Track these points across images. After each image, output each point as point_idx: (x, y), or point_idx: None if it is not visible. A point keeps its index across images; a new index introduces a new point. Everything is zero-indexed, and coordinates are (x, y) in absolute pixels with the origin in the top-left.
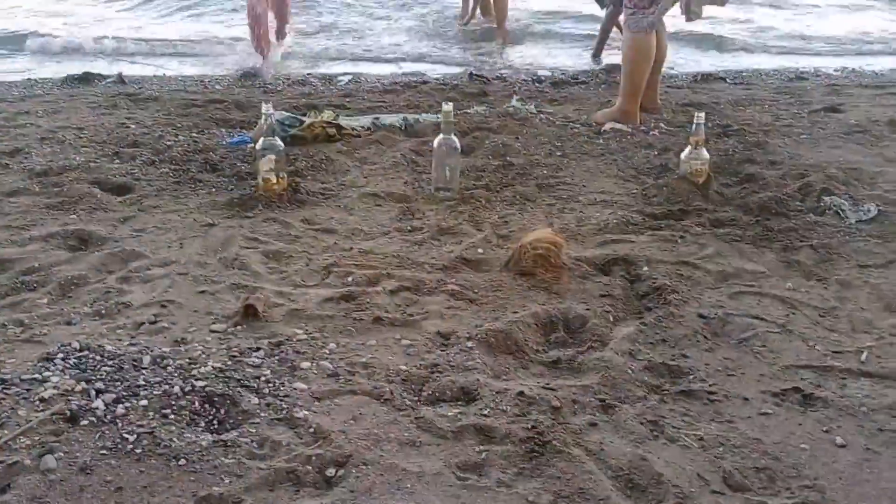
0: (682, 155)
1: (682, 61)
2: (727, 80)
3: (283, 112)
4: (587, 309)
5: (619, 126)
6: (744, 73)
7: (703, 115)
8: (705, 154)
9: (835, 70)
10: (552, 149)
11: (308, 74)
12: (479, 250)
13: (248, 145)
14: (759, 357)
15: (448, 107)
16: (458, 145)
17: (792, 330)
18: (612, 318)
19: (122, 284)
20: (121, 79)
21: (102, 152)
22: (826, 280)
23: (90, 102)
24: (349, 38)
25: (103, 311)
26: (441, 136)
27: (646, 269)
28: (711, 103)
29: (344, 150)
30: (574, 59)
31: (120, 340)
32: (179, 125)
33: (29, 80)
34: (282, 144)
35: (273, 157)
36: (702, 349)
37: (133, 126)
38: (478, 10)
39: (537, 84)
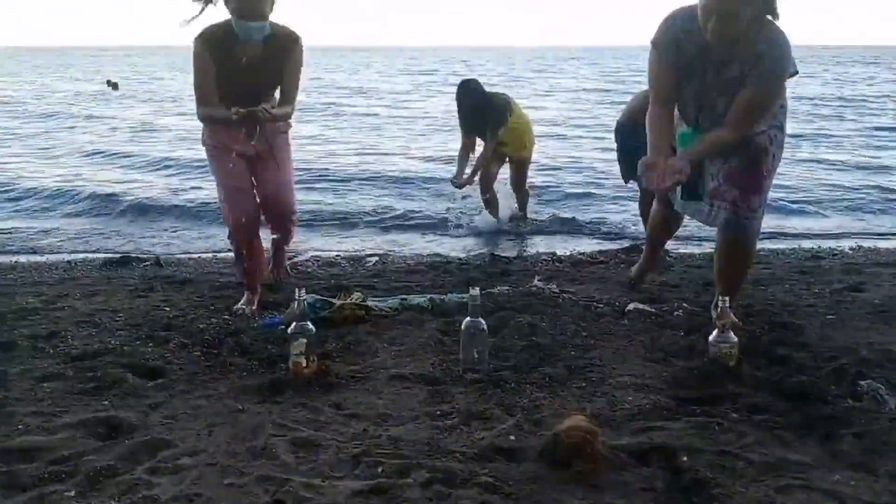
0: (710, 338)
1: (702, 236)
2: None
3: (314, 295)
4: None
5: (642, 307)
6: (761, 253)
7: (727, 298)
8: (733, 337)
9: (850, 248)
10: (578, 329)
11: (336, 255)
12: (512, 437)
13: (279, 328)
14: None
15: (475, 291)
16: (485, 327)
17: None
18: None
19: (151, 476)
20: (158, 262)
21: (137, 335)
22: (876, 472)
23: (127, 285)
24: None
25: None
26: (468, 318)
27: (686, 459)
28: None
29: (373, 331)
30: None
31: None
32: (212, 307)
33: (69, 262)
34: (312, 328)
35: (304, 340)
36: None
37: (167, 309)
38: (475, 179)
39: (557, 263)
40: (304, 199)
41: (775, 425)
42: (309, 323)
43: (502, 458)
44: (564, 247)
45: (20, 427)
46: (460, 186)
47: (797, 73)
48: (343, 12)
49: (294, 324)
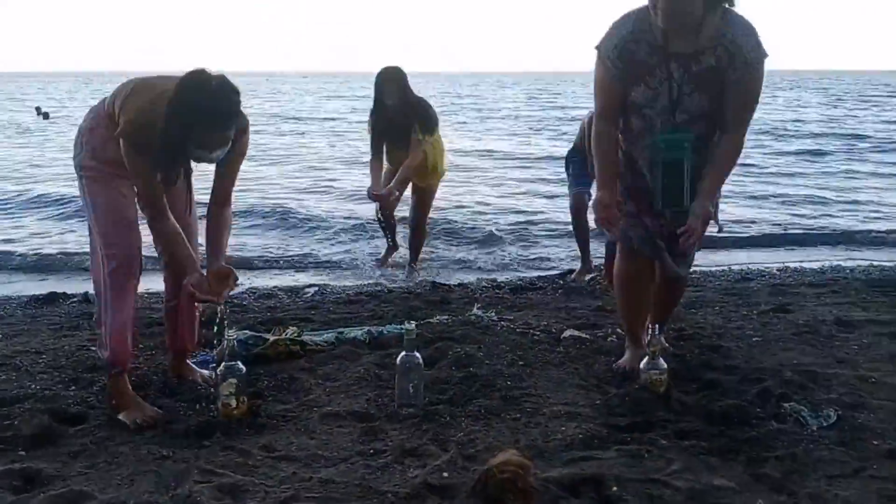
0: (641, 365)
1: None
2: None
3: (247, 331)
4: None
5: (577, 333)
6: (693, 276)
7: (657, 328)
8: (663, 364)
9: (777, 269)
10: (514, 358)
11: (274, 287)
12: (445, 474)
13: (210, 366)
14: None
15: (410, 325)
16: (421, 361)
17: None
18: None
19: None
20: (87, 298)
21: (59, 379)
22: (796, 494)
23: (52, 324)
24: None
25: None
26: (403, 353)
27: (615, 489)
28: None
29: (307, 367)
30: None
31: None
32: (142, 345)
33: None
34: (242, 368)
35: (234, 381)
36: None
37: (94, 348)
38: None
39: (497, 290)
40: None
41: (702, 450)
42: (239, 363)
43: (435, 497)
44: (504, 276)
45: None
46: (378, 199)
47: (767, 55)
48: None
49: (223, 365)
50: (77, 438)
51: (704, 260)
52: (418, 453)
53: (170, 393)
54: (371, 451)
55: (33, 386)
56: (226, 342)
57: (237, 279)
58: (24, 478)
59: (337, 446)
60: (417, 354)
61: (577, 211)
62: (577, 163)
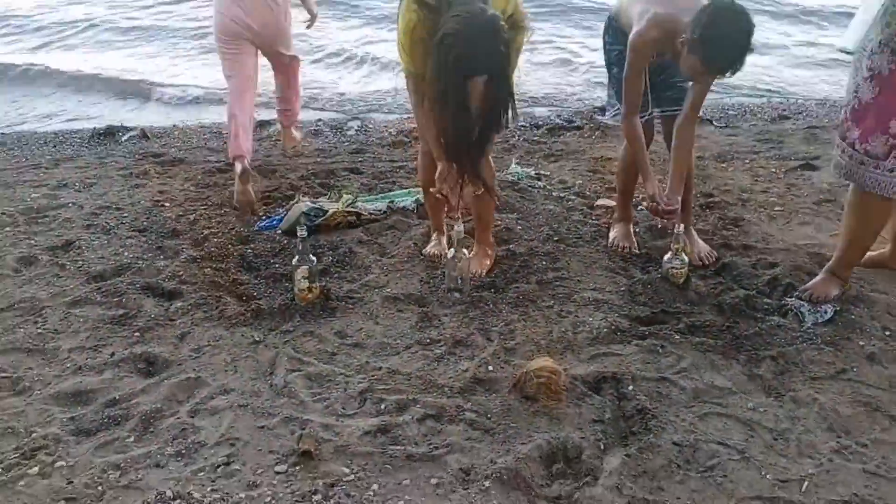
0: (665, 258)
1: None
2: (713, 122)
3: (308, 203)
4: (582, 437)
5: (609, 203)
6: (730, 113)
7: (681, 227)
8: (684, 257)
9: (815, 103)
10: (550, 232)
11: (318, 121)
12: (490, 367)
13: (276, 230)
14: (720, 489)
15: (459, 227)
16: (468, 256)
17: (749, 457)
18: (602, 447)
19: (193, 419)
20: (144, 134)
21: (147, 246)
22: (782, 397)
23: (120, 168)
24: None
25: (183, 451)
26: (451, 250)
27: (631, 387)
28: (696, 158)
29: (364, 239)
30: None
31: (203, 486)
32: (209, 201)
33: (56, 135)
34: (314, 259)
35: (306, 268)
36: (674, 481)
37: (167, 205)
38: None
39: (535, 130)
40: None
41: (709, 348)
42: (310, 255)
43: (482, 391)
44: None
45: (69, 366)
46: None
47: None
48: None
49: (297, 256)
50: (179, 317)
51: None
52: (467, 343)
53: (247, 268)
54: (428, 339)
55: (126, 254)
56: (294, 210)
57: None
58: (146, 361)
59: (399, 333)
60: (465, 251)
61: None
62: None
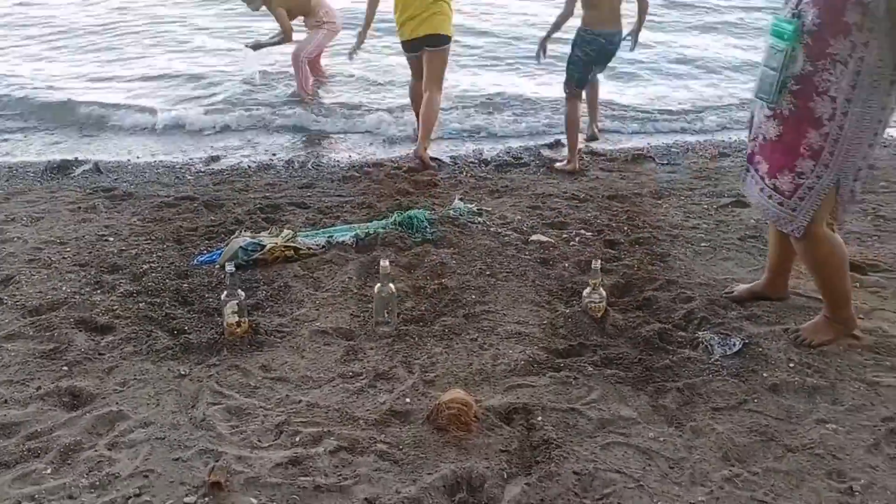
0: (584, 293)
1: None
2: (656, 159)
3: (246, 237)
4: (487, 467)
5: (543, 239)
6: (673, 150)
7: (598, 263)
8: (602, 293)
9: None
10: (482, 267)
11: (273, 157)
12: (407, 399)
13: (215, 264)
14: None
15: (385, 263)
16: (394, 291)
17: (643, 485)
18: (505, 476)
19: (111, 451)
20: (97, 168)
21: (86, 280)
22: (683, 426)
23: (70, 202)
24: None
25: (97, 483)
26: (379, 284)
27: (540, 418)
28: (633, 196)
29: (300, 273)
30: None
31: None
32: (153, 236)
33: (10, 168)
34: (242, 294)
35: (235, 303)
36: None
37: (111, 239)
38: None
39: (483, 166)
40: None
41: (619, 379)
42: (239, 290)
43: (397, 423)
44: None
45: None
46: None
47: None
48: None
49: (225, 292)
50: (108, 351)
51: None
52: (388, 376)
53: (182, 302)
54: (350, 373)
55: (64, 289)
56: (229, 247)
57: None
58: (71, 395)
59: (323, 367)
60: (391, 286)
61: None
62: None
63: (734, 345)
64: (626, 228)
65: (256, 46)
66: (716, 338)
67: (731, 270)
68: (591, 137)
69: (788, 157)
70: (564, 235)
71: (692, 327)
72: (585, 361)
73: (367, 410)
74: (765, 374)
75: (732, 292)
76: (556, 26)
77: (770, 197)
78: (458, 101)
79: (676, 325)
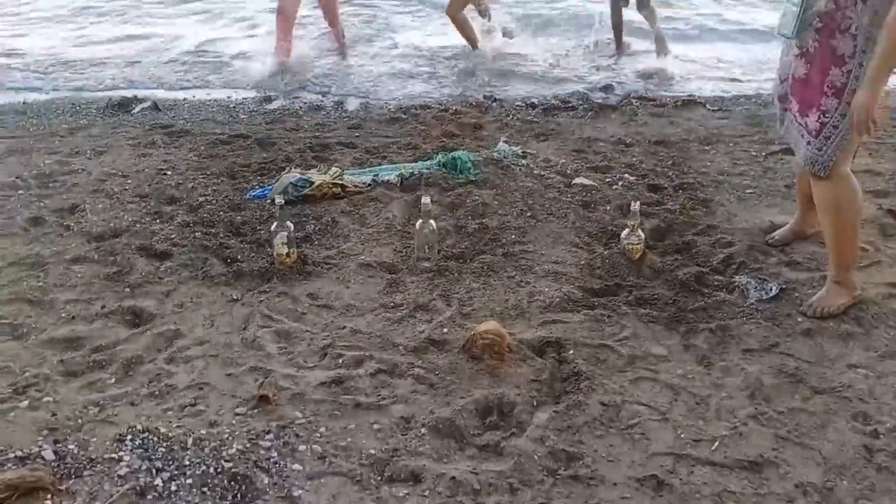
0: (622, 234)
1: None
2: (707, 105)
3: (296, 174)
4: (518, 394)
5: (587, 182)
6: (725, 97)
7: (637, 205)
8: (640, 234)
9: None
10: (524, 208)
11: (322, 98)
12: (445, 330)
13: (266, 199)
14: (637, 445)
15: (426, 199)
16: (434, 227)
17: (669, 418)
18: (535, 403)
19: (169, 365)
20: (155, 106)
21: (146, 210)
22: (712, 366)
23: (130, 138)
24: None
25: (156, 393)
26: (420, 220)
27: (571, 352)
28: (681, 141)
29: (347, 209)
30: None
31: (170, 423)
32: (209, 171)
33: (73, 104)
34: (291, 226)
35: (284, 234)
36: (595, 436)
37: (169, 173)
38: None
39: (530, 109)
40: None
41: (652, 319)
42: (288, 221)
43: (434, 350)
44: (542, 91)
45: (63, 315)
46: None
47: None
48: None
49: (275, 223)
50: (167, 276)
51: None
52: (428, 308)
53: (235, 233)
54: (392, 303)
55: (126, 217)
56: (280, 182)
57: None
58: (133, 314)
59: (366, 297)
60: (432, 222)
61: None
62: None
63: (771, 289)
64: (670, 174)
65: None
66: (753, 282)
67: (775, 219)
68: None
69: (814, 95)
70: (608, 179)
71: (730, 271)
72: (620, 301)
73: (407, 338)
74: (799, 319)
75: (774, 237)
76: None
77: (801, 136)
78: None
79: (714, 269)
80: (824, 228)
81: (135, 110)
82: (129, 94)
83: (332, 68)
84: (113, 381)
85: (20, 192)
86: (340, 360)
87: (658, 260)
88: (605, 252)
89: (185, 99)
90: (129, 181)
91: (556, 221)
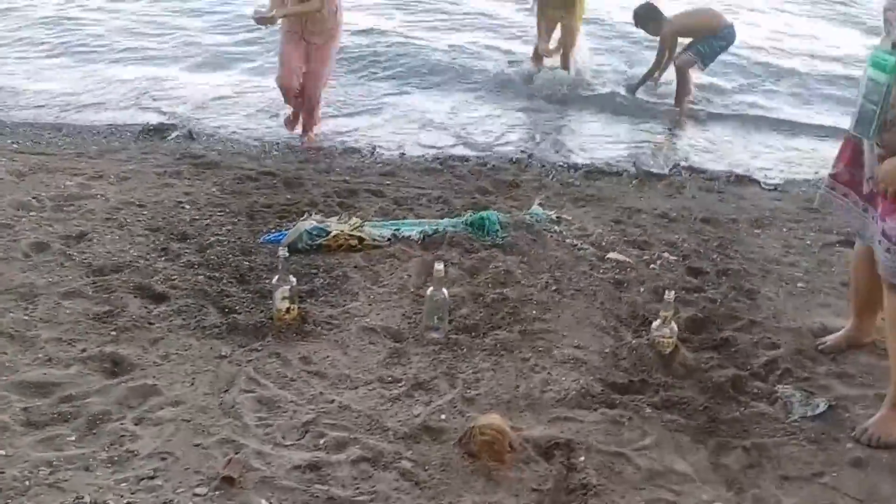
0: (653, 324)
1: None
2: (761, 183)
3: (313, 221)
4: None
5: (621, 258)
6: (782, 173)
7: (672, 295)
8: (674, 327)
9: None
10: (550, 280)
11: (356, 141)
12: (443, 416)
13: (279, 245)
14: None
15: (440, 267)
16: (446, 296)
17: None
18: None
19: (137, 426)
20: (190, 134)
21: (153, 245)
22: (743, 493)
23: (158, 165)
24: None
25: (115, 458)
26: (432, 289)
27: (582, 458)
28: (729, 221)
29: (361, 264)
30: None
31: (121, 497)
32: (228, 208)
33: (110, 125)
34: (293, 280)
35: (287, 288)
36: None
37: (187, 207)
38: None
39: (572, 172)
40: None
41: (679, 427)
42: (291, 276)
43: (427, 439)
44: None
45: (41, 356)
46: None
47: None
48: None
49: (277, 276)
50: (158, 321)
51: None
52: (428, 387)
53: (239, 280)
54: (389, 377)
55: (131, 251)
56: (295, 229)
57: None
58: (112, 361)
59: (363, 367)
60: (444, 291)
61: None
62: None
63: (818, 406)
64: (714, 256)
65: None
66: (797, 394)
67: (829, 322)
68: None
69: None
70: (645, 257)
71: (772, 378)
72: (644, 401)
73: (399, 421)
74: (848, 445)
75: (826, 342)
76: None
77: (880, 242)
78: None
79: (754, 374)
80: (889, 343)
81: (169, 137)
82: (168, 120)
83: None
84: (74, 438)
85: (32, 213)
86: (321, 441)
87: (691, 357)
88: (634, 341)
89: (220, 127)
90: (145, 212)
91: (583, 299)
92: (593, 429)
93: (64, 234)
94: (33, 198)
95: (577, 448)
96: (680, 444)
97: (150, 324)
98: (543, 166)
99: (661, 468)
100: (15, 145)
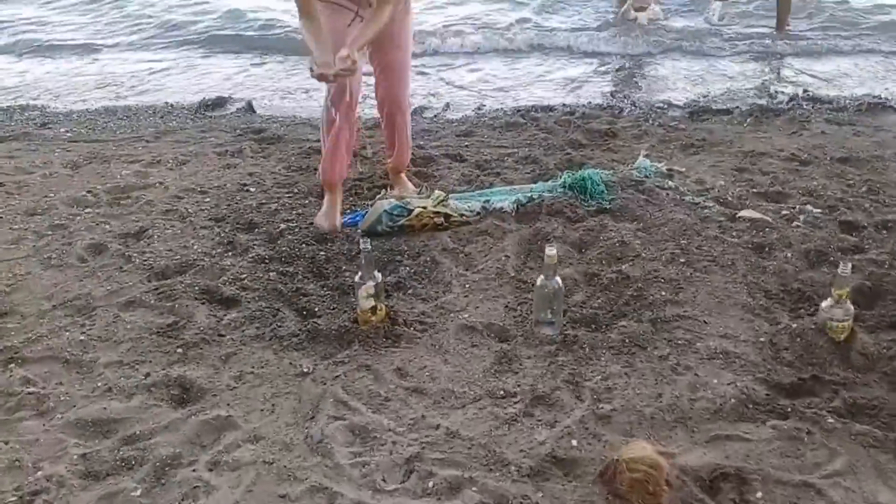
0: (823, 304)
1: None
2: None
3: (392, 200)
4: None
5: (756, 216)
6: None
7: (849, 266)
8: (849, 307)
9: None
10: (676, 251)
11: (432, 97)
12: (574, 442)
13: (357, 228)
14: None
15: (552, 251)
16: (561, 286)
17: None
18: None
19: (211, 473)
20: (250, 107)
21: (219, 239)
22: None
23: (217, 144)
24: None
25: None
26: (542, 277)
27: (760, 494)
28: (873, 159)
29: (450, 246)
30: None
31: None
32: (296, 188)
33: (167, 103)
34: (378, 276)
35: (371, 285)
36: None
37: (252, 189)
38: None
39: (674, 113)
40: None
41: (874, 441)
42: (376, 271)
43: (559, 475)
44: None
45: (100, 384)
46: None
47: None
48: None
49: (359, 273)
50: (229, 332)
51: None
52: (550, 401)
53: (316, 274)
54: (502, 391)
55: (195, 247)
56: (373, 211)
57: (354, 61)
58: (180, 386)
59: (468, 377)
60: (558, 279)
61: None
62: None
63: None
64: (866, 205)
65: None
66: None
67: None
68: None
69: None
70: (784, 212)
71: None
72: (823, 406)
73: (521, 451)
74: None
75: None
76: None
77: None
78: None
79: None
80: None
81: (228, 111)
82: (225, 93)
83: None
84: (138, 492)
85: (88, 209)
86: (430, 483)
87: (870, 342)
88: (794, 325)
89: (283, 97)
90: (207, 199)
91: (719, 273)
92: (766, 450)
93: (122, 231)
94: (88, 192)
95: (749, 479)
96: (880, 466)
97: (221, 336)
98: (640, 109)
99: (861, 502)
100: (69, 134)
